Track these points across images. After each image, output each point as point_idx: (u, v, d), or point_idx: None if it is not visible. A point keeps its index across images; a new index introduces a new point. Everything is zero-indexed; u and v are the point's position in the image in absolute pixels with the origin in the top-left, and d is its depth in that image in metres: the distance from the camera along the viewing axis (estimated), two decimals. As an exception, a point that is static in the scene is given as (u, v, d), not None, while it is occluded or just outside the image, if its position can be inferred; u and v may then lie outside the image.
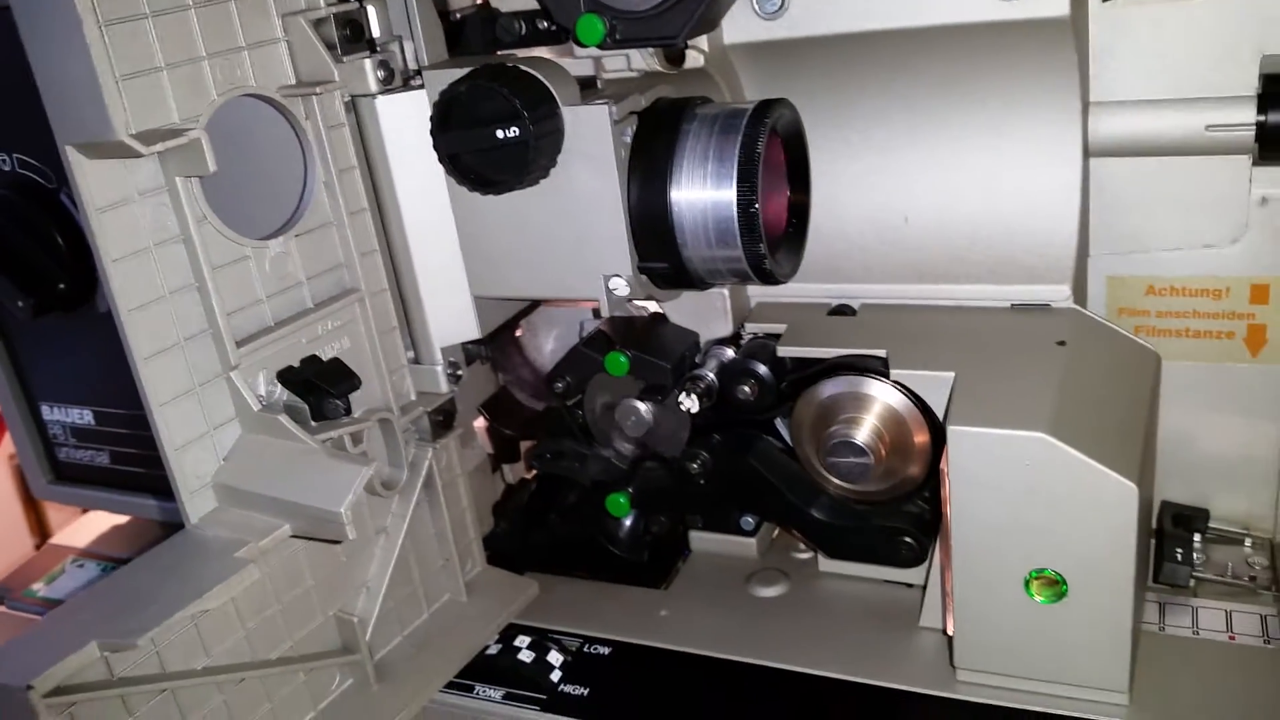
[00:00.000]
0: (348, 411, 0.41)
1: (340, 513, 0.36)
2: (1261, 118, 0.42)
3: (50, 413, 0.62)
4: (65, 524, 1.40)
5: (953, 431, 0.37)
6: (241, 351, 0.39)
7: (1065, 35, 0.41)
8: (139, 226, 0.36)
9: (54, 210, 0.54)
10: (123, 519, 0.69)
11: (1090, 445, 0.37)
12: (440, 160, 0.41)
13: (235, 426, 0.39)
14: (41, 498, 0.67)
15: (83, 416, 0.61)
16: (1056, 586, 0.39)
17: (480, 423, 0.54)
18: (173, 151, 0.34)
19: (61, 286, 0.54)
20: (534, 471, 0.57)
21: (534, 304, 0.52)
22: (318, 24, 0.40)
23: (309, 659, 0.43)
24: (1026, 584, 0.39)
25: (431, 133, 0.40)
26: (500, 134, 0.39)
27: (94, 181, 0.34)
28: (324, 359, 0.42)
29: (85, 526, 0.70)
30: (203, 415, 0.38)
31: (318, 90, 0.39)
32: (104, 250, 0.35)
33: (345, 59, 0.41)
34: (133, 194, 0.35)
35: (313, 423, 0.40)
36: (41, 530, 1.35)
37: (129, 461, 0.60)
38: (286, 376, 0.41)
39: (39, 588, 0.64)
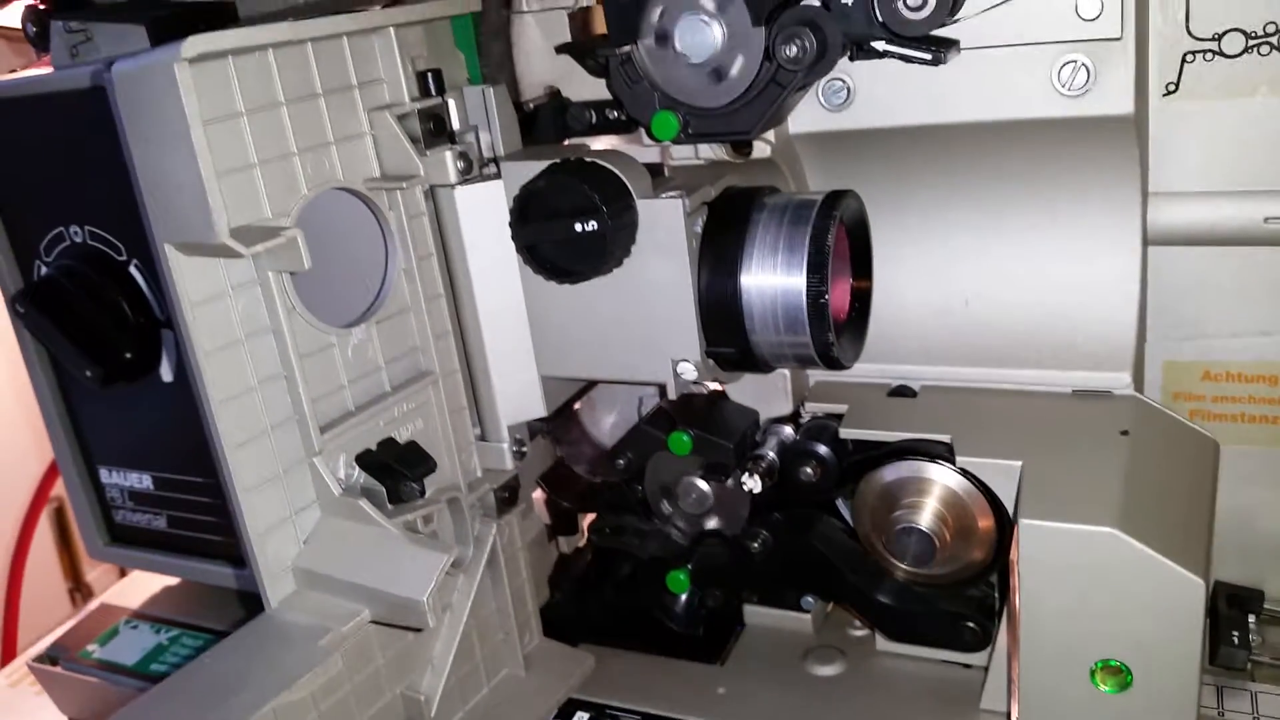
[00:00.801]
0: (422, 493, 0.42)
1: (423, 601, 0.37)
2: (1319, 210, 0.43)
3: (109, 476, 0.63)
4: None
5: (1024, 525, 0.38)
6: (325, 437, 0.39)
7: (1128, 131, 0.42)
8: (231, 319, 0.37)
9: (123, 282, 0.55)
10: (173, 580, 0.69)
11: (1158, 540, 0.37)
12: (518, 250, 0.42)
13: (315, 510, 0.40)
14: (96, 559, 0.67)
15: (141, 481, 0.62)
16: (1121, 676, 0.39)
17: (538, 494, 0.55)
18: (270, 250, 0.35)
19: (128, 356, 0.55)
20: (586, 541, 0.57)
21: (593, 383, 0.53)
22: (402, 119, 0.41)
23: (378, 736, 0.44)
24: (1092, 673, 0.39)
25: (511, 225, 0.42)
26: (579, 227, 0.40)
27: (190, 278, 0.35)
28: (400, 441, 0.43)
29: (134, 587, 0.71)
30: (286, 500, 0.39)
31: (403, 184, 0.40)
32: (197, 343, 0.36)
33: (428, 152, 0.42)
34: (226, 289, 0.36)
35: (389, 505, 0.41)
36: (75, 576, 1.36)
37: (187, 526, 0.61)
38: (365, 460, 0.41)
39: (94, 649, 0.65)
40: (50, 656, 0.66)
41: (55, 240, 0.57)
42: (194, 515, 0.60)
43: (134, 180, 0.46)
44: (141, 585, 0.71)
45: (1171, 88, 0.44)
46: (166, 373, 0.56)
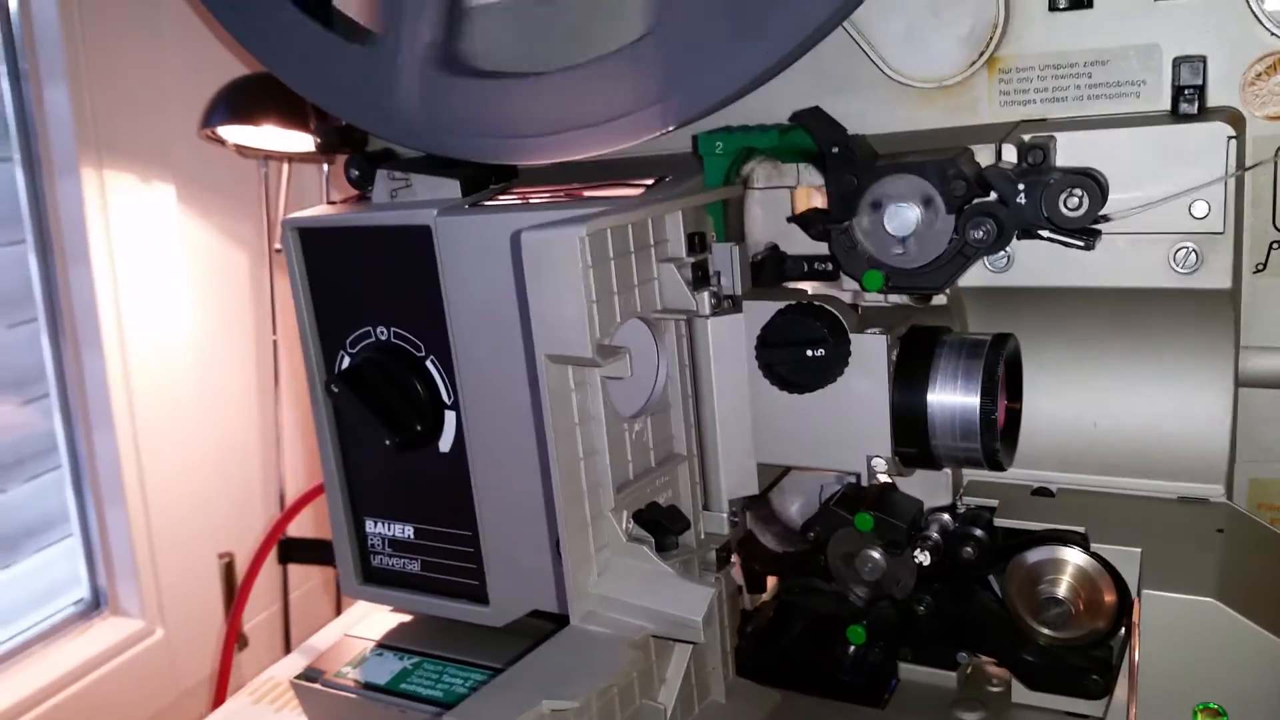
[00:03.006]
0: (677, 546, 0.56)
1: (699, 620, 0.50)
2: (1378, 367, 0.56)
3: (373, 526, 0.78)
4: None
5: (1146, 595, 0.50)
6: (617, 498, 0.54)
7: (1226, 301, 0.55)
8: (572, 410, 0.51)
9: (419, 372, 0.71)
10: (406, 617, 0.83)
11: (1247, 609, 0.49)
12: (760, 367, 0.56)
13: (607, 552, 0.54)
14: (350, 595, 0.82)
15: (404, 531, 0.76)
16: (1219, 717, 0.51)
17: (734, 559, 0.68)
18: (609, 361, 0.50)
19: (419, 429, 0.70)
20: (764, 600, 0.70)
21: (789, 468, 0.66)
22: (680, 268, 0.56)
23: (632, 736, 0.56)
24: (1195, 713, 0.51)
25: (756, 348, 0.56)
26: (810, 353, 0.54)
27: (553, 379, 0.50)
28: (661, 505, 0.57)
29: (372, 623, 0.84)
30: (591, 542, 0.53)
31: (681, 316, 0.55)
32: (550, 424, 0.50)
33: (695, 293, 0.56)
34: (571, 388, 0.51)
35: (656, 554, 0.55)
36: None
37: (439, 570, 0.75)
38: (639, 516, 0.55)
39: (349, 670, 0.78)
40: (309, 676, 0.80)
41: (362, 336, 0.72)
42: (448, 561, 0.75)
43: (461, 301, 0.62)
44: (380, 622, 0.84)
45: (1260, 267, 0.57)
46: (445, 444, 0.71)
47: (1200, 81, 0.55)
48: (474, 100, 0.63)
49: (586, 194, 0.64)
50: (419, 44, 0.63)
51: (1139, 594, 0.52)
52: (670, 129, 0.59)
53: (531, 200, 0.65)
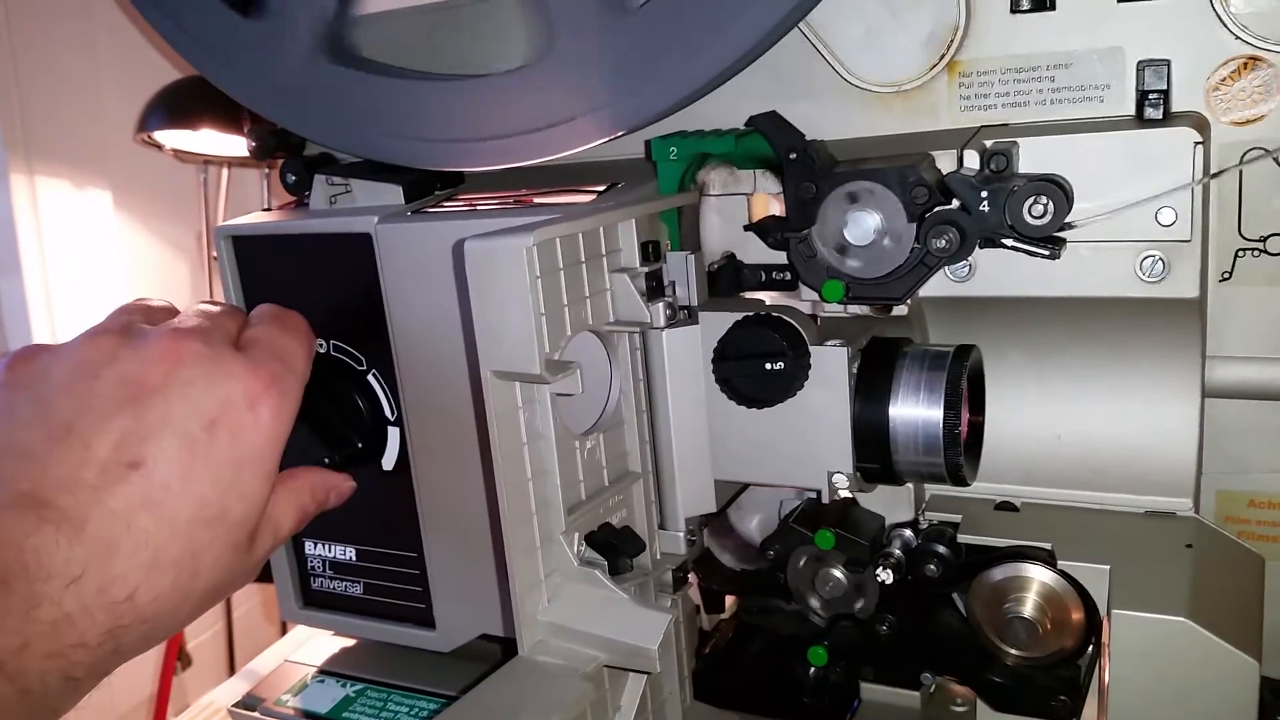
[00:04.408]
0: (631, 569, 0.54)
1: (654, 649, 0.48)
2: (1346, 377, 0.55)
3: (313, 548, 0.75)
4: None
5: (1116, 614, 0.49)
6: (569, 519, 0.51)
7: (1193, 310, 0.54)
8: (519, 428, 0.49)
9: (361, 387, 0.68)
10: (349, 641, 0.80)
11: (1219, 628, 0.48)
12: (717, 381, 0.54)
13: (559, 577, 0.52)
14: (290, 620, 0.78)
15: (345, 553, 0.73)
16: (1191, 739, 0.50)
17: (691, 578, 0.66)
18: (558, 377, 0.47)
19: (360, 446, 0.67)
20: (722, 620, 0.68)
21: (747, 485, 0.64)
22: (634, 278, 0.53)
23: (582, 768, 0.54)
24: (1166, 736, 0.50)
25: (713, 361, 0.54)
26: (769, 366, 0.52)
27: (498, 397, 0.47)
28: (615, 525, 0.54)
29: (313, 647, 0.81)
30: (540, 567, 0.51)
31: (635, 328, 0.53)
32: (495, 443, 0.48)
33: (649, 304, 0.54)
34: (518, 405, 0.48)
35: (609, 576, 0.52)
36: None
37: (382, 593, 0.72)
38: (591, 539, 0.53)
39: (288, 699, 0.75)
40: (247, 704, 0.76)
41: (298, 351, 0.69)
42: (392, 584, 0.72)
43: (403, 312, 0.59)
44: (322, 647, 0.81)
45: (1226, 275, 0.56)
46: (388, 463, 0.68)
47: (1165, 86, 0.53)
48: (376, 98, 0.61)
49: (536, 200, 0.61)
50: (306, 23, 0.60)
51: (1108, 613, 0.50)
52: (620, 134, 0.57)
53: (478, 207, 0.62)
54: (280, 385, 0.51)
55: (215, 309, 0.54)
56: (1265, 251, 0.55)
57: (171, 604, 0.47)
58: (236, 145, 1.35)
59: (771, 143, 0.55)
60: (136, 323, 0.51)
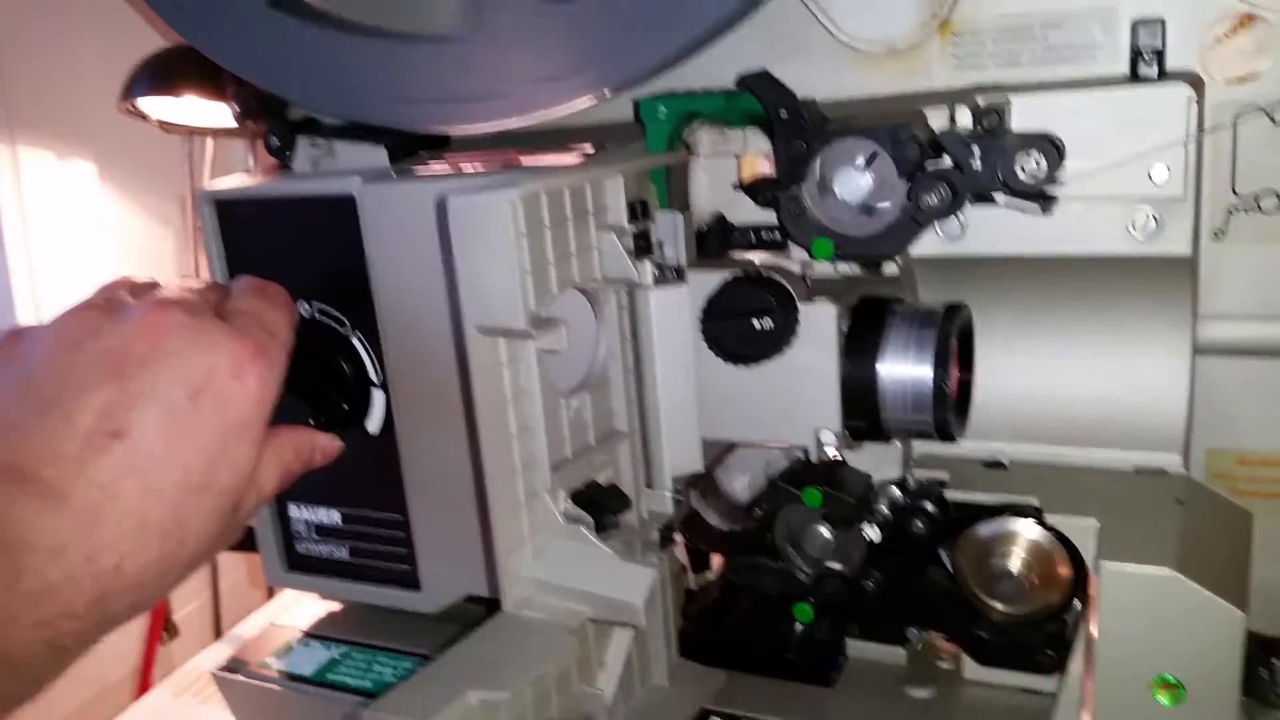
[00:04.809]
0: (617, 526, 0.54)
1: (639, 603, 0.48)
2: (1335, 334, 0.55)
3: (297, 511, 0.74)
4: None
5: (1104, 567, 0.49)
6: (554, 477, 0.51)
7: (1185, 268, 0.54)
8: (503, 385, 0.48)
9: (345, 350, 0.67)
10: (335, 605, 0.80)
11: (1207, 580, 0.48)
12: (705, 340, 0.54)
13: (544, 534, 0.51)
14: (274, 584, 0.78)
15: (330, 516, 0.73)
16: (1176, 690, 0.50)
17: (677, 537, 0.66)
18: (544, 334, 0.47)
19: (345, 408, 0.67)
20: (709, 580, 0.68)
21: (734, 444, 0.64)
22: (621, 236, 0.53)
23: (570, 724, 0.54)
24: (1152, 688, 0.50)
25: (701, 320, 0.53)
26: (757, 324, 0.52)
27: (481, 353, 0.47)
28: (601, 484, 0.54)
29: (299, 611, 0.81)
30: (526, 524, 0.50)
31: (622, 286, 0.52)
32: (479, 399, 0.47)
33: (637, 262, 0.54)
34: (502, 362, 0.48)
35: (595, 534, 0.52)
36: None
37: (368, 555, 0.72)
38: (577, 496, 0.53)
39: (272, 661, 0.74)
40: (231, 668, 0.76)
41: (284, 312, 0.69)
42: (377, 546, 0.71)
43: (387, 274, 0.59)
44: (308, 610, 0.81)
45: (1219, 233, 0.56)
46: (373, 425, 0.68)
47: (1159, 44, 0.53)
48: (358, 58, 0.60)
49: (523, 161, 0.61)
50: None
51: (1096, 567, 0.50)
52: (608, 93, 0.56)
53: (463, 168, 0.61)
54: (265, 354, 0.51)
55: (197, 283, 0.54)
56: (1259, 209, 0.55)
57: (158, 571, 0.47)
58: (222, 114, 1.33)
59: (762, 101, 0.55)
60: (120, 297, 0.51)
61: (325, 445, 0.60)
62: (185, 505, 0.47)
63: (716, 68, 0.61)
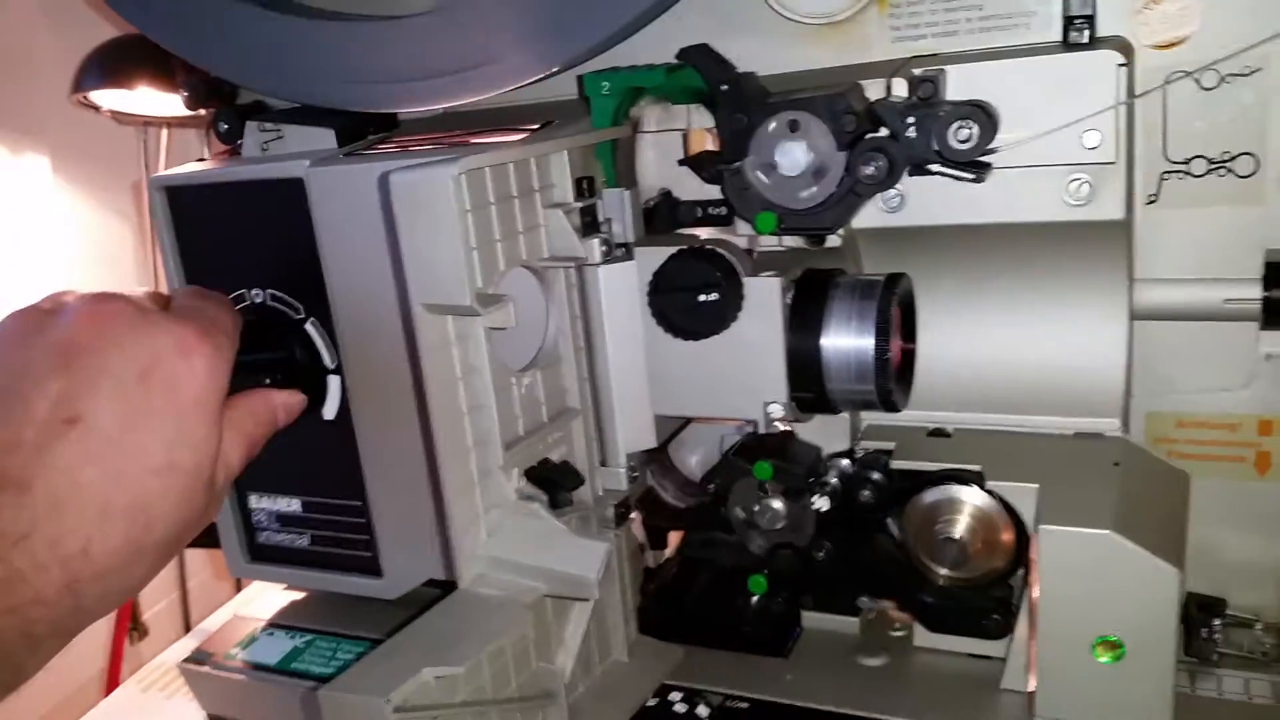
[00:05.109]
0: (571, 503, 0.54)
1: (593, 577, 0.48)
2: (1265, 294, 0.56)
3: (258, 501, 0.74)
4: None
5: (1043, 530, 0.50)
6: (506, 455, 0.51)
7: (1120, 232, 0.55)
8: (453, 363, 0.49)
9: (299, 335, 0.67)
10: (299, 595, 0.80)
11: (1144, 540, 0.49)
12: (653, 315, 0.54)
13: (498, 512, 0.52)
14: (237, 575, 0.78)
15: (290, 505, 0.73)
16: (1116, 649, 0.51)
17: (634, 515, 0.67)
18: (492, 311, 0.47)
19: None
20: (667, 557, 0.69)
21: (688, 421, 0.65)
22: (568, 213, 0.53)
23: (528, 700, 0.54)
24: (1094, 647, 0.51)
25: (648, 295, 0.54)
26: (702, 298, 0.53)
27: (429, 331, 0.47)
28: (555, 461, 0.55)
29: (265, 602, 0.80)
30: (479, 502, 0.51)
31: (570, 264, 0.53)
32: (429, 378, 0.48)
33: (584, 239, 0.54)
34: (451, 340, 0.49)
35: (549, 510, 0.53)
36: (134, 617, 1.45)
37: (330, 543, 0.72)
38: (531, 474, 0.53)
39: (237, 652, 0.75)
40: (196, 659, 0.76)
41: (236, 300, 0.68)
42: (338, 534, 0.71)
43: (338, 257, 0.59)
44: (272, 600, 0.81)
45: (1153, 198, 0.57)
46: (329, 412, 0.68)
47: (1090, 11, 0.54)
48: (303, 40, 0.60)
49: (471, 140, 0.61)
50: None
51: (1036, 529, 0.51)
52: (552, 71, 0.56)
53: (411, 149, 0.61)
54: (210, 336, 0.51)
55: (141, 290, 0.54)
56: (1189, 174, 0.56)
57: (127, 556, 0.47)
58: (175, 105, 1.32)
59: (703, 75, 0.55)
60: (62, 299, 0.51)
61: (286, 401, 0.59)
62: (148, 487, 0.47)
63: (659, 44, 0.61)
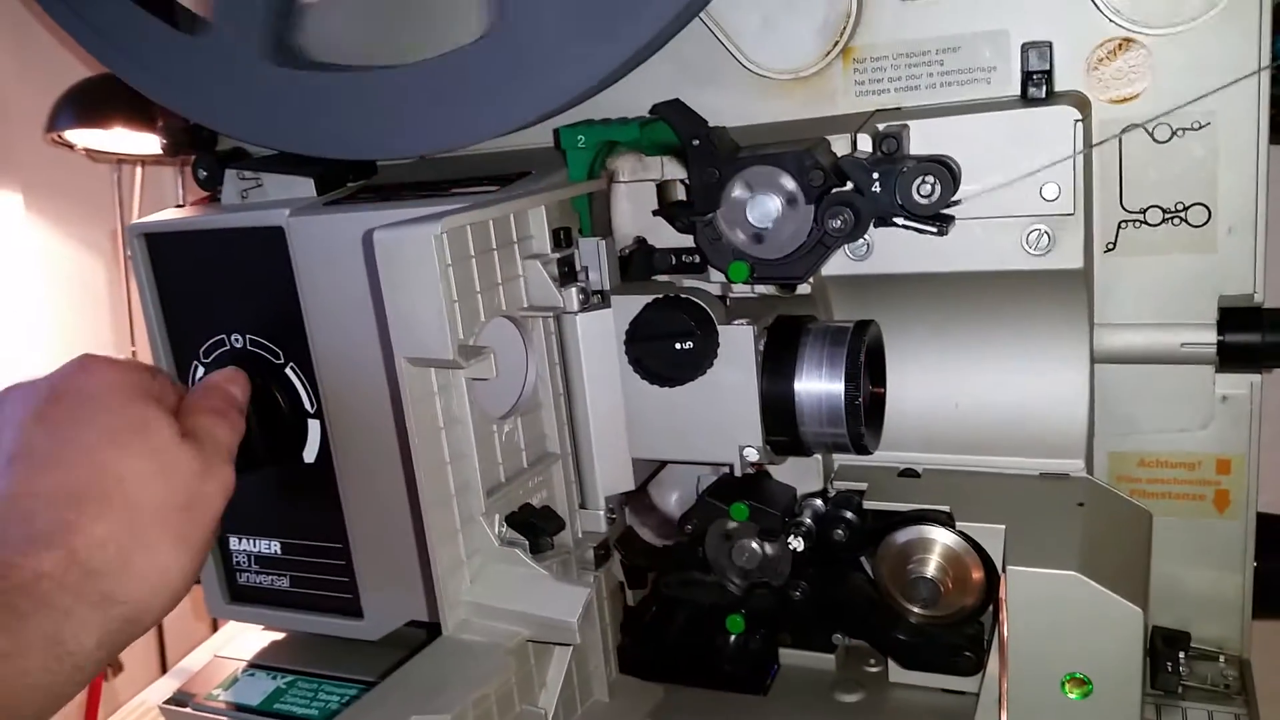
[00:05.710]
0: (552, 547, 0.55)
1: (574, 622, 0.49)
2: (1220, 338, 0.58)
3: (238, 543, 0.75)
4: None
5: (1011, 570, 0.52)
6: (488, 502, 0.52)
7: (1079, 280, 0.57)
8: (436, 414, 0.50)
9: (279, 380, 0.68)
10: (278, 635, 0.80)
11: (1108, 580, 0.51)
12: (630, 362, 0.56)
13: (480, 558, 0.53)
14: (216, 615, 0.79)
15: (270, 546, 0.74)
16: (1085, 686, 0.52)
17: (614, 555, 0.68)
18: (473, 362, 0.49)
19: (265, 452, 0.67)
20: (646, 596, 0.70)
21: (665, 463, 0.66)
22: (546, 264, 0.55)
23: (511, 741, 0.55)
24: (1063, 684, 0.53)
25: (625, 342, 0.55)
26: (678, 346, 0.54)
27: (413, 383, 0.49)
28: (535, 506, 0.56)
29: (243, 642, 0.81)
30: (462, 549, 0.52)
31: (548, 313, 0.54)
32: (412, 428, 0.49)
33: (562, 289, 0.56)
34: (434, 391, 0.50)
35: (530, 555, 0.54)
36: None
37: (309, 585, 0.73)
38: (511, 519, 0.54)
39: (219, 693, 0.75)
40: (178, 700, 0.76)
41: (216, 345, 0.69)
42: (318, 575, 0.72)
43: (318, 304, 0.60)
44: (251, 641, 0.81)
45: (1110, 246, 0.59)
46: (310, 455, 0.69)
47: (1047, 67, 0.56)
48: (309, 94, 0.61)
49: (448, 190, 0.62)
50: (250, 34, 0.61)
51: (1004, 570, 0.53)
52: (528, 122, 0.58)
53: (390, 197, 0.63)
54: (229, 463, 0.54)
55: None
56: (1145, 223, 0.59)
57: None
58: (150, 143, 1.33)
59: (675, 129, 0.57)
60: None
61: (232, 379, 0.59)
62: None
63: (634, 98, 0.63)
